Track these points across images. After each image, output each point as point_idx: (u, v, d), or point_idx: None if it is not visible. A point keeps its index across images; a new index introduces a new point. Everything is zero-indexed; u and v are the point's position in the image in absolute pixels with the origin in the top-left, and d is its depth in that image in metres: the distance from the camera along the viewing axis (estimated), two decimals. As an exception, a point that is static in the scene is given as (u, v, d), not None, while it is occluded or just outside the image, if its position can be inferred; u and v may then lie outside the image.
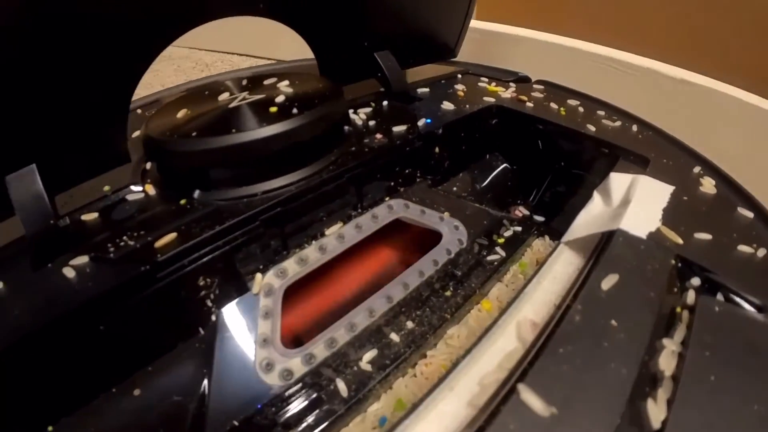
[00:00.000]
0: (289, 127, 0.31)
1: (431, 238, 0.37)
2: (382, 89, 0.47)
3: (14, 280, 0.25)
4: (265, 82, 0.38)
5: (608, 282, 0.24)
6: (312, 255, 0.32)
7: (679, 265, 0.26)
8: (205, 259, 0.28)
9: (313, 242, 0.33)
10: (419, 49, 0.52)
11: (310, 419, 0.27)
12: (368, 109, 0.43)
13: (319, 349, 0.29)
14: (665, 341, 0.21)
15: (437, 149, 0.41)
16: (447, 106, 0.43)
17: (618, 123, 0.41)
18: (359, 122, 0.40)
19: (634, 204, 0.30)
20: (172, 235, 0.27)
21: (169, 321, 0.27)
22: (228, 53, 1.19)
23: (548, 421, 0.18)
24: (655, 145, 0.38)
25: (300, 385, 0.28)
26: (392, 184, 0.38)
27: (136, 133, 0.38)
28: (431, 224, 0.37)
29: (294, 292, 0.32)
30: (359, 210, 0.35)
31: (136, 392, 0.25)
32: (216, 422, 0.25)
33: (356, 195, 0.35)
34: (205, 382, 0.26)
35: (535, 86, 0.50)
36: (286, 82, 0.37)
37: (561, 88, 0.49)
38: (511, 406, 0.19)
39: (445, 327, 0.33)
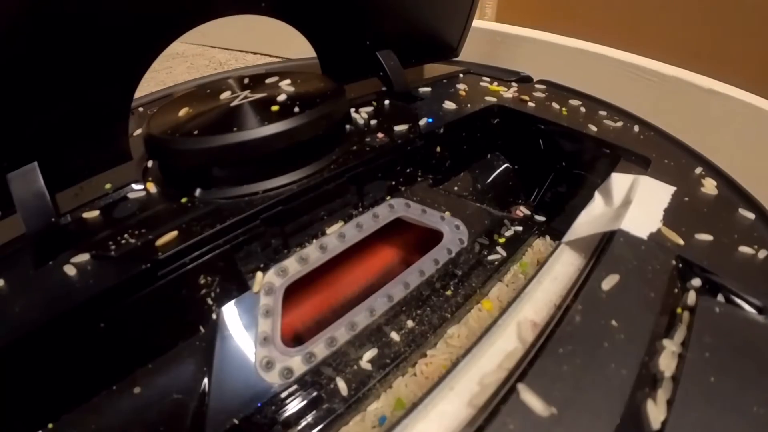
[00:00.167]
0: (290, 126, 0.31)
1: (432, 237, 0.37)
2: (383, 88, 0.47)
3: (15, 277, 0.25)
4: (267, 81, 0.38)
5: (609, 282, 0.24)
6: (313, 254, 0.32)
7: (680, 265, 0.26)
8: (205, 258, 0.28)
9: (314, 241, 0.33)
10: (421, 48, 0.52)
11: (309, 418, 0.27)
12: (370, 108, 0.43)
13: (320, 347, 0.29)
14: (665, 342, 0.21)
15: (438, 149, 0.41)
16: (448, 105, 0.43)
17: (619, 123, 0.41)
18: (361, 121, 0.40)
19: (635, 204, 0.30)
20: (173, 234, 0.27)
21: (170, 319, 0.27)
22: (242, 51, 1.18)
23: (548, 421, 0.18)
24: (656, 145, 0.38)
25: (300, 383, 0.28)
26: (393, 183, 0.38)
27: (138, 131, 0.38)
28: (432, 224, 0.37)
29: (294, 291, 0.32)
30: (360, 209, 0.35)
31: (137, 390, 0.25)
32: (216, 420, 0.25)
33: (357, 194, 0.35)
34: (206, 380, 0.26)
35: (536, 86, 0.50)
36: (288, 81, 0.37)
37: (563, 88, 0.49)
38: (511, 406, 0.19)
39: (446, 326, 0.33)
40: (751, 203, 0.31)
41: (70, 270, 0.25)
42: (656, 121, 0.41)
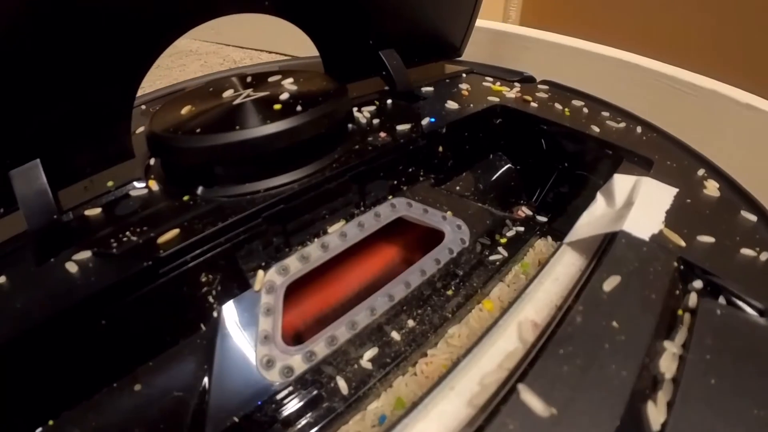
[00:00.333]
0: (292, 125, 0.31)
1: (433, 237, 0.37)
2: (386, 88, 0.47)
3: (17, 274, 0.25)
4: (270, 80, 0.38)
5: (610, 283, 0.24)
6: (314, 253, 0.32)
7: (682, 267, 0.26)
8: (207, 256, 0.28)
9: (316, 240, 0.33)
10: (424, 48, 0.52)
11: (310, 416, 0.27)
12: (372, 108, 0.43)
13: (320, 346, 0.29)
14: (666, 343, 0.21)
15: (441, 148, 0.41)
16: (451, 105, 0.43)
17: (622, 124, 0.41)
18: (363, 120, 0.40)
19: (637, 206, 0.30)
20: (175, 231, 0.27)
21: (171, 317, 0.27)
22: (257, 50, 1.16)
23: (548, 422, 0.18)
24: (659, 147, 0.37)
25: (300, 382, 0.28)
26: (395, 182, 0.38)
27: (141, 129, 0.38)
28: (434, 223, 0.37)
29: (296, 290, 0.32)
30: (362, 208, 0.35)
31: (137, 387, 0.25)
32: (216, 418, 0.25)
33: (359, 193, 0.35)
34: (206, 378, 0.26)
35: (539, 86, 0.50)
36: (291, 80, 0.37)
37: (565, 88, 0.49)
38: (511, 406, 0.19)
39: (446, 326, 0.33)
40: (754, 205, 0.31)
41: (71, 267, 0.25)
42: (659, 122, 0.41)
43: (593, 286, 0.24)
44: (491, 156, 0.47)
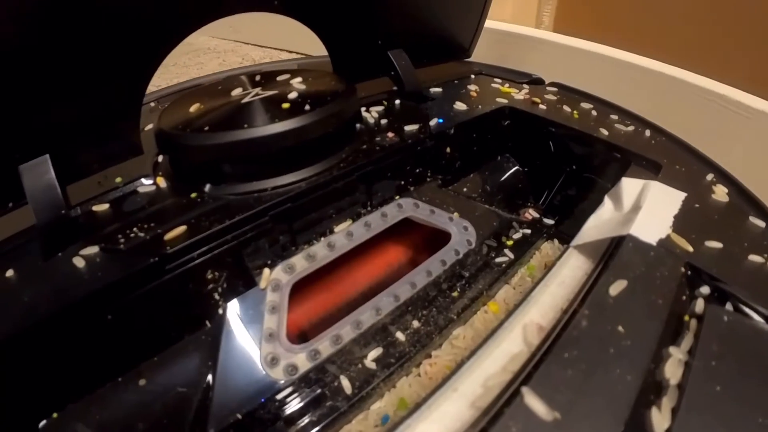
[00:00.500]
0: (300, 124, 0.31)
1: (440, 238, 0.37)
2: (394, 88, 0.47)
3: (25, 268, 0.26)
4: (279, 78, 0.38)
5: (616, 288, 0.24)
6: (320, 251, 0.32)
7: (689, 273, 0.26)
8: (213, 253, 0.28)
9: (322, 239, 0.33)
10: (433, 48, 0.52)
11: (312, 415, 0.27)
12: (380, 108, 0.43)
13: (325, 345, 0.29)
14: (672, 349, 0.21)
15: (448, 149, 0.41)
16: (459, 106, 0.43)
17: (631, 128, 0.41)
18: (371, 120, 0.40)
19: (645, 210, 0.29)
20: (182, 228, 0.27)
21: (177, 313, 0.27)
22: (277, 49, 1.15)
23: (551, 426, 0.18)
24: (667, 150, 0.37)
25: (304, 380, 0.28)
26: (402, 183, 0.38)
27: (149, 126, 0.39)
28: (440, 224, 0.37)
29: (301, 288, 0.32)
30: (369, 208, 0.35)
31: (142, 382, 0.25)
32: (219, 414, 0.25)
33: (366, 193, 0.35)
34: (210, 374, 0.26)
35: (548, 88, 0.50)
36: (299, 79, 0.37)
37: (574, 91, 0.49)
38: (515, 409, 0.18)
39: (451, 327, 0.33)
40: (762, 211, 0.31)
41: (79, 262, 0.25)
42: (668, 125, 0.41)
43: (599, 290, 0.24)
44: (499, 158, 0.47)
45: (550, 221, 0.42)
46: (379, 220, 0.35)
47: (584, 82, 0.49)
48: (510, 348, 0.25)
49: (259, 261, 0.30)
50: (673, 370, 0.20)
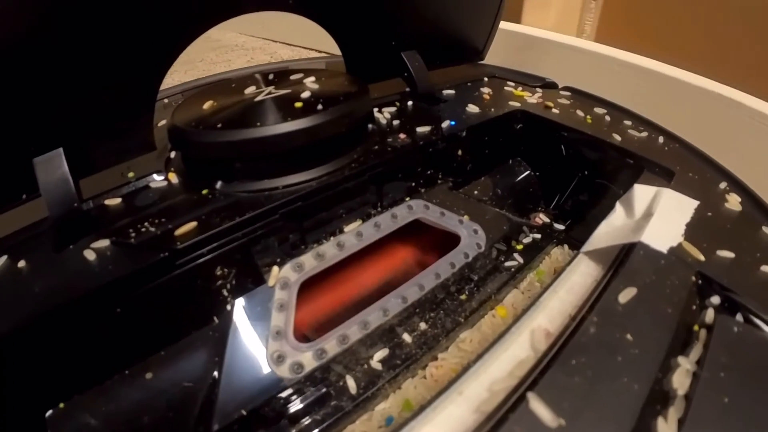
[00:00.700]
0: (313, 123, 0.31)
1: (449, 240, 0.37)
2: (407, 89, 0.47)
3: (36, 259, 0.26)
4: (292, 77, 0.38)
5: (626, 295, 0.24)
6: (329, 251, 0.32)
7: (700, 282, 0.25)
8: (223, 250, 0.28)
9: (332, 238, 0.33)
10: (447, 50, 0.52)
11: (317, 414, 0.27)
12: (393, 109, 0.43)
13: (331, 345, 0.29)
14: (680, 359, 0.21)
15: (460, 152, 0.41)
16: (472, 108, 0.43)
17: (644, 134, 0.40)
18: (383, 121, 0.40)
19: (657, 217, 0.29)
20: (192, 224, 0.28)
21: (185, 308, 0.28)
22: (306, 48, 1.13)
23: (556, 432, 0.18)
24: (680, 157, 0.37)
25: (310, 379, 0.28)
26: (413, 184, 0.38)
27: (162, 122, 0.39)
28: (450, 227, 0.37)
29: (309, 287, 0.32)
30: (379, 209, 0.35)
31: (149, 376, 0.26)
32: (225, 410, 0.25)
33: (377, 193, 0.35)
34: (216, 370, 0.27)
35: (561, 92, 0.49)
36: (313, 78, 0.38)
37: (588, 95, 0.49)
38: (519, 414, 0.18)
39: (458, 331, 0.32)
40: (776, 222, 0.30)
41: (89, 255, 0.26)
42: (681, 132, 0.41)
43: (608, 297, 0.24)
44: (510, 161, 0.46)
45: (560, 226, 0.42)
46: (389, 220, 0.35)
47: (598, 87, 0.49)
48: (517, 353, 0.25)
49: (268, 259, 0.30)
50: (680, 381, 0.20)
